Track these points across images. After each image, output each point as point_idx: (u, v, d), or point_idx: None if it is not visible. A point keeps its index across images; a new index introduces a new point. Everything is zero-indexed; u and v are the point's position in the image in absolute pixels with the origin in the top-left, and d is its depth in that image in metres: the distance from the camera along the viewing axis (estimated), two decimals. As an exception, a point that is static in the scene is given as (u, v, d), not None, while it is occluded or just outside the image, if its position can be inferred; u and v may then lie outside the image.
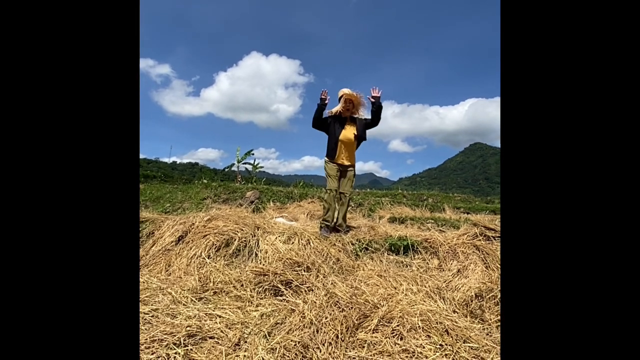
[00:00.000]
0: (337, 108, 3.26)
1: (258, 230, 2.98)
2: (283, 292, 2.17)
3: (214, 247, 2.79)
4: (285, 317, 1.69)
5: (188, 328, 1.59)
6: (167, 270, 2.65)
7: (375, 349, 1.42)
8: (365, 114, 3.41)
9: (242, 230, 2.94)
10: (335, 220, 3.36)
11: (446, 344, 1.43)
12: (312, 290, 2.13)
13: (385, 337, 1.47)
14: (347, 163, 3.31)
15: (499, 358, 1.37)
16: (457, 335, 1.50)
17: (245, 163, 12.20)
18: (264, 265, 2.50)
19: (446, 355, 1.38)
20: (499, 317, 1.93)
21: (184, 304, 1.96)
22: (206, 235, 2.91)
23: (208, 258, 2.67)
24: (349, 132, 3.25)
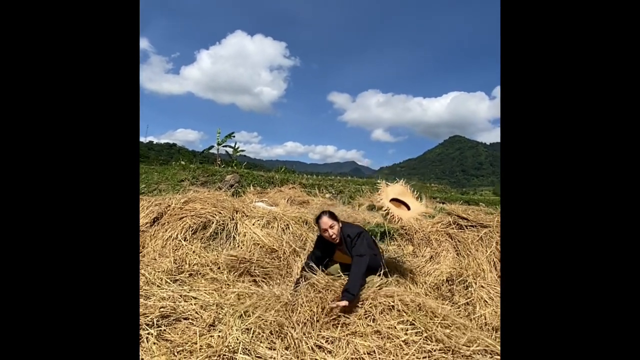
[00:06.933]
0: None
1: (237, 213, 2.95)
2: (259, 275, 2.17)
3: (190, 229, 2.73)
4: (261, 299, 1.70)
5: (162, 309, 1.57)
6: (140, 252, 2.58)
7: (348, 330, 1.46)
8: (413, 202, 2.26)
9: (220, 213, 2.89)
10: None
11: (417, 324, 1.49)
12: (289, 274, 2.15)
13: (359, 319, 1.52)
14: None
15: (467, 336, 1.45)
16: (427, 315, 1.57)
17: (225, 146, 11.89)
18: (241, 249, 2.49)
19: (417, 334, 1.44)
20: (468, 300, 2.04)
21: (157, 285, 1.92)
22: (183, 217, 2.84)
23: (184, 240, 2.62)
24: (344, 255, 2.07)
